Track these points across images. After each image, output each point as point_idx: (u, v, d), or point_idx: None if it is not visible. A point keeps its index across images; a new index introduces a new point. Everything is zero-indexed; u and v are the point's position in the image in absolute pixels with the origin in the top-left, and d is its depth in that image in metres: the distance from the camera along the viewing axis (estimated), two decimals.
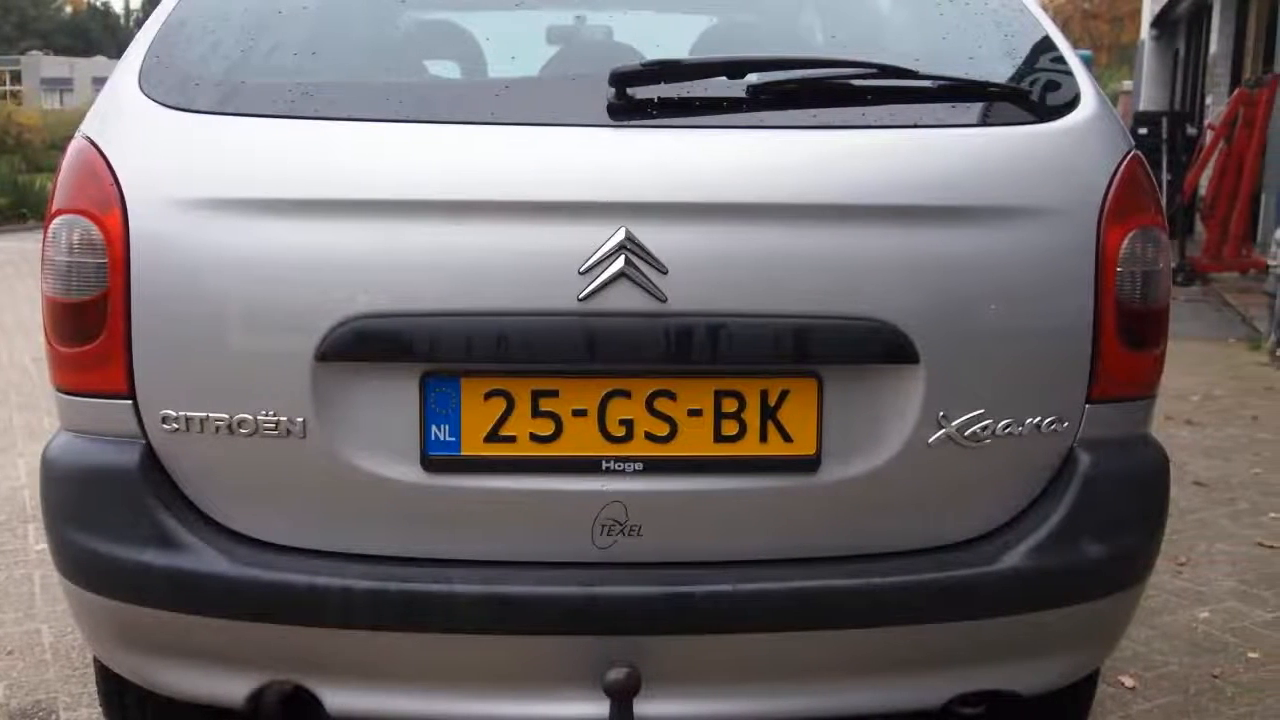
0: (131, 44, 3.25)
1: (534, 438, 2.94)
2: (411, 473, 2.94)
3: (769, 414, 2.96)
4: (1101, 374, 3.09)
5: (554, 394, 2.93)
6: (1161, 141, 17.52)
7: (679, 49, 3.60)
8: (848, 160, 3.01)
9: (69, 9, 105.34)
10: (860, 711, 3.16)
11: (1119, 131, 3.21)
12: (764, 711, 3.14)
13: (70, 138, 3.12)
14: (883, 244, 2.96)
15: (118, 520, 2.99)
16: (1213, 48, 23.10)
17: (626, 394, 2.94)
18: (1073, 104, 3.17)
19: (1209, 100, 22.83)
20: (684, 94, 3.00)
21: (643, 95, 2.97)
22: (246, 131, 2.98)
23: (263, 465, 2.97)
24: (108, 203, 2.93)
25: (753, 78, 3.03)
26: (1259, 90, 16.19)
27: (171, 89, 3.06)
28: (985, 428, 3.01)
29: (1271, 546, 6.29)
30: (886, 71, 3.08)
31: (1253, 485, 7.38)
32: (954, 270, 2.98)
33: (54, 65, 73.70)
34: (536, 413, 2.93)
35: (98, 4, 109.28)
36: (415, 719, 3.12)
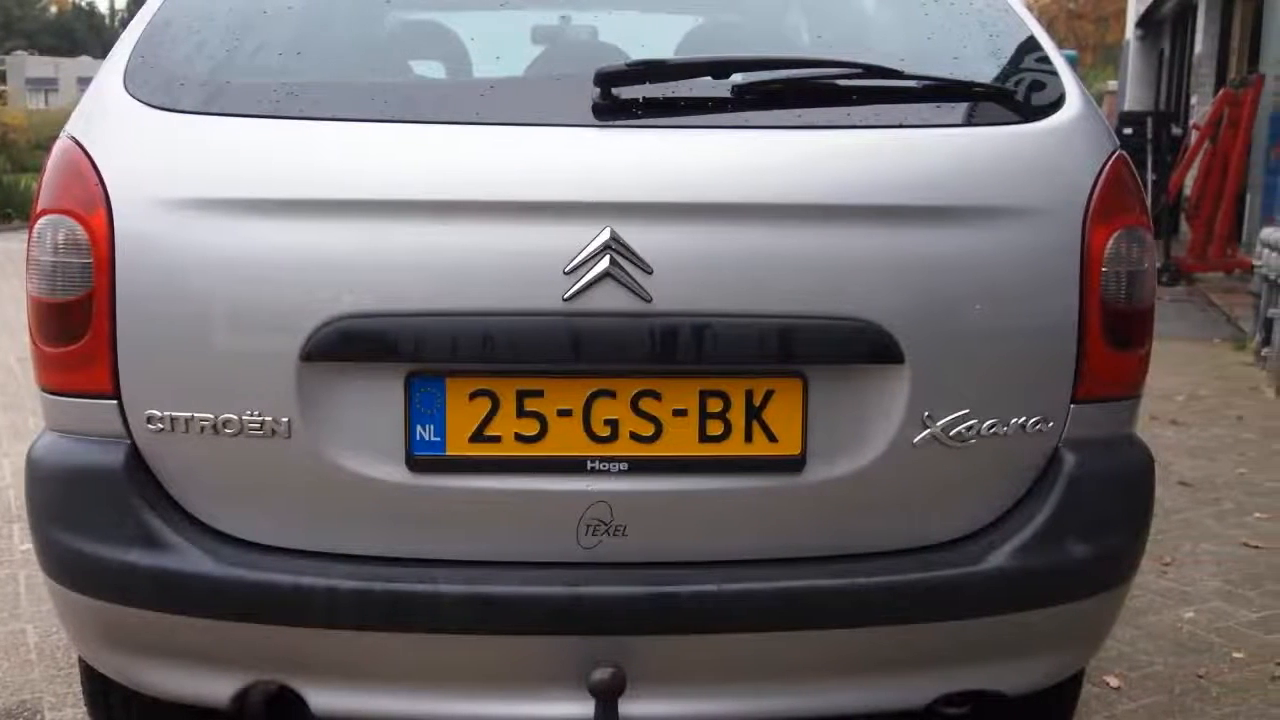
0: (116, 44, 3.25)
1: (519, 438, 2.94)
2: (396, 473, 2.94)
3: (754, 414, 2.96)
4: (1086, 374, 3.09)
5: (539, 394, 2.93)
6: (1146, 141, 17.57)
7: (664, 49, 3.60)
8: (833, 160, 3.01)
9: (54, 9, 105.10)
10: (845, 711, 3.17)
11: (1104, 131, 3.21)
12: (749, 711, 3.14)
13: (55, 138, 3.12)
14: (868, 244, 2.96)
15: (103, 520, 2.99)
16: (1198, 48, 23.15)
17: (611, 394, 2.94)
18: (1058, 104, 3.18)
19: (1194, 100, 22.88)
20: (669, 94, 3.00)
21: (628, 95, 2.97)
22: (231, 131, 2.98)
23: (248, 465, 2.96)
24: (93, 203, 2.93)
25: (738, 78, 3.03)
26: (1244, 90, 16.25)
27: (157, 89, 3.06)
28: (970, 428, 3.02)
29: (1256, 546, 6.31)
30: (871, 71, 3.08)
31: (1238, 485, 7.40)
32: (939, 270, 2.98)
33: (39, 65, 73.62)
34: (521, 413, 2.93)
35: (83, 4, 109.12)
36: (400, 719, 3.13)
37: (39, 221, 2.99)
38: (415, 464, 2.94)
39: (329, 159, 2.94)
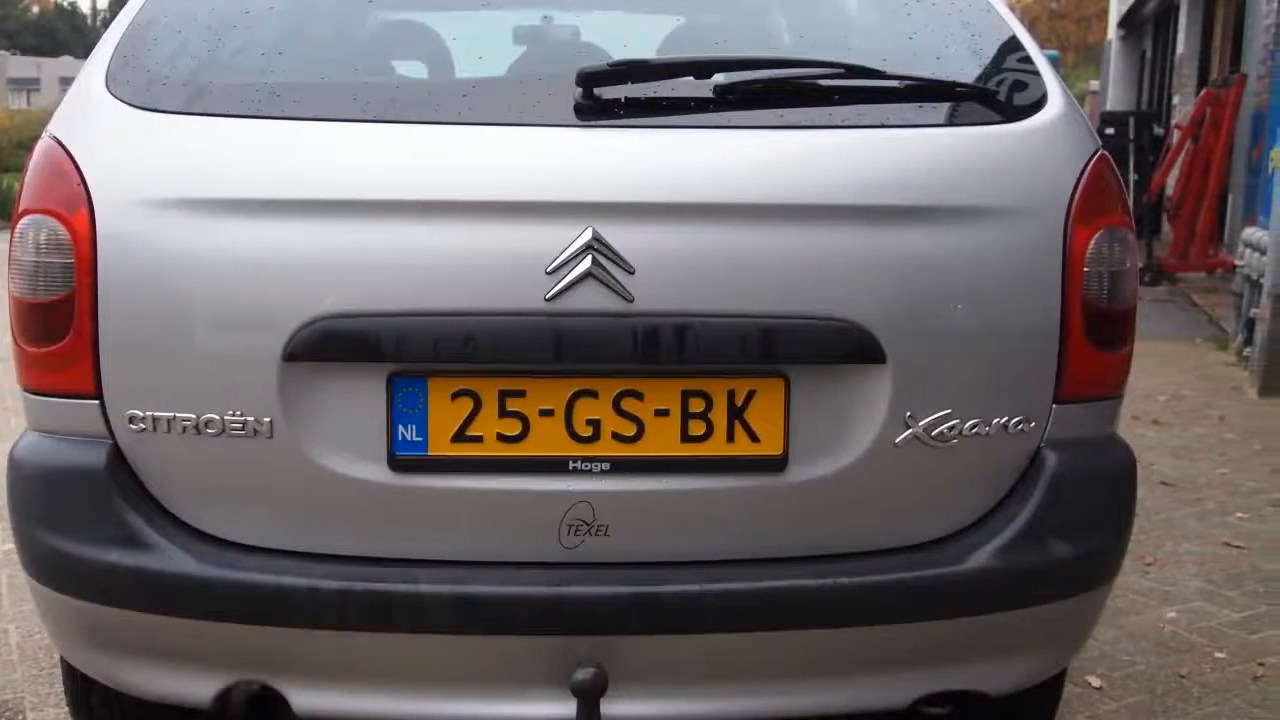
0: (99, 44, 3.25)
1: (501, 438, 2.93)
2: (379, 473, 2.94)
3: (736, 414, 2.96)
4: (1069, 374, 3.09)
5: (521, 394, 2.93)
6: (1128, 141, 17.57)
7: (646, 49, 3.60)
8: (815, 160, 3.01)
9: (36, 9, 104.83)
10: (827, 711, 3.17)
11: (1086, 132, 3.21)
12: (731, 711, 3.14)
13: (37, 138, 3.12)
14: (850, 244, 2.96)
15: (84, 520, 2.98)
16: (1180, 48, 23.17)
17: (593, 394, 2.93)
18: (1040, 104, 3.18)
19: (1176, 100, 22.92)
20: (651, 94, 3.00)
21: (610, 95, 2.97)
22: (214, 131, 2.97)
23: (230, 465, 2.96)
24: (74, 203, 2.92)
25: (720, 78, 3.03)
26: (1226, 90, 16.25)
27: (139, 89, 3.06)
28: (952, 428, 3.02)
29: (1238, 546, 6.32)
30: (853, 71, 3.08)
31: (1219, 485, 7.41)
32: (921, 270, 2.98)
33: (21, 65, 73.45)
34: (504, 413, 2.93)
35: (65, 4, 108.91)
36: (382, 719, 3.12)
37: (21, 221, 2.99)
38: (397, 464, 2.93)
39: (311, 159, 2.94)
